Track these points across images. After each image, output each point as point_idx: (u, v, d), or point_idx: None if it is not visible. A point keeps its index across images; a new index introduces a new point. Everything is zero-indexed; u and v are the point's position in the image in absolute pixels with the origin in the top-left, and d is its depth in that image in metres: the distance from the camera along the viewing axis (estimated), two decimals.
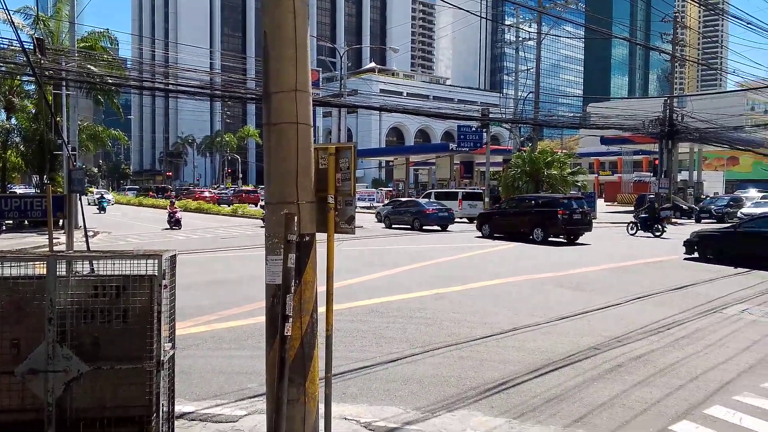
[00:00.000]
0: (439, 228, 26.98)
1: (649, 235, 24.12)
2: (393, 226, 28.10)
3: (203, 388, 6.09)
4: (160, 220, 32.82)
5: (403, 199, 33.37)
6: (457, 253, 18.05)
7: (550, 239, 21.37)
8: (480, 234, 23.72)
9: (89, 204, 46.19)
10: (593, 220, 29.35)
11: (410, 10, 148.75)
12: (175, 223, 28.39)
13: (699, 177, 50.18)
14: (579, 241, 21.67)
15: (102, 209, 41.30)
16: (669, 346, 7.70)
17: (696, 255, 16.54)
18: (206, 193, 57.76)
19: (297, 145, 4.25)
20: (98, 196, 48.24)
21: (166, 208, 31.52)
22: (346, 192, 4.50)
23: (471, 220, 30.28)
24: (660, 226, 24.17)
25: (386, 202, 35.60)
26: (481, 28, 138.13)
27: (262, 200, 39.78)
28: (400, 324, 8.80)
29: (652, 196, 31.77)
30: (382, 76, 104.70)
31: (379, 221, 29.93)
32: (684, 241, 17.26)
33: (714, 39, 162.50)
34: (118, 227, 29.07)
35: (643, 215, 24.98)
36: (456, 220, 29.28)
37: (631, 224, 25.39)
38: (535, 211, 22.05)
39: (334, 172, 4.46)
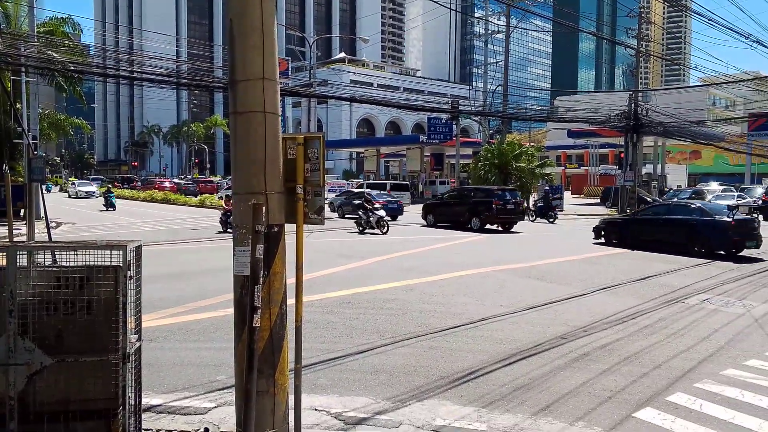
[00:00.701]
0: (389, 218, 27.23)
1: (545, 221, 27.44)
2: (346, 216, 28.51)
3: (171, 380, 6.00)
4: (127, 212, 32.21)
5: (356, 191, 33.59)
6: (417, 245, 18.15)
7: (486, 227, 22.89)
8: (425, 223, 24.84)
9: (70, 197, 43.99)
10: (560, 213, 30.35)
11: (380, 1, 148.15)
12: (110, 205, 35.05)
13: (663, 170, 51.37)
14: (513, 229, 23.48)
15: (111, 206, 34.89)
16: (633, 335, 7.89)
17: (602, 240, 18.42)
18: (166, 184, 56.79)
19: (264, 134, 4.19)
20: (105, 189, 40.89)
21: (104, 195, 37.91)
22: (315, 183, 4.47)
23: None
24: (553, 214, 28.06)
25: (338, 193, 35.96)
26: (450, 20, 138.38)
27: (221, 191, 39.80)
28: (370, 315, 8.81)
29: (547, 187, 33.23)
30: (353, 66, 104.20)
31: (333, 211, 30.49)
32: (593, 228, 19.32)
33: (678, 35, 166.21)
34: (82, 218, 28.40)
35: (539, 205, 29.02)
36: None
37: (531, 212, 28.79)
38: (473, 202, 23.54)
39: (302, 163, 4.42)
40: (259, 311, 3.96)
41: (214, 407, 5.28)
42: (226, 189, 39.57)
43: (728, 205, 18.69)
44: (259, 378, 4.04)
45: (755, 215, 17.71)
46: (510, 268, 13.49)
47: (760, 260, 15.39)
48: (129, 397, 3.90)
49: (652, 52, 60.33)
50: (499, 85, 40.33)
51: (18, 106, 23.05)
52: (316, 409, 5.25)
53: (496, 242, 19.41)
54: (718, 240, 15.77)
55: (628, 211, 33.57)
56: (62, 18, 27.54)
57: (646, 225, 17.73)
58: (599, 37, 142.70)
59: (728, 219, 15.74)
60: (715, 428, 5.01)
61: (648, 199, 37.62)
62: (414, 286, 11.08)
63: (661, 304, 9.78)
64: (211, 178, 64.23)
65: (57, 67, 22.25)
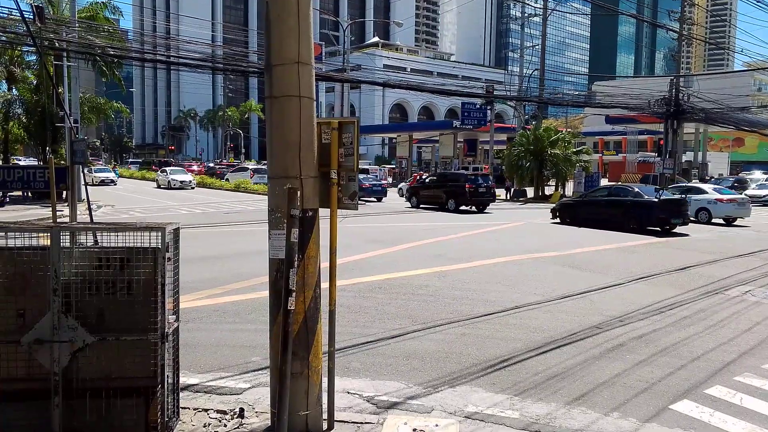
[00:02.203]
0: (375, 200, 30.33)
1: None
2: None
3: (207, 360, 6.12)
4: (164, 195, 32.86)
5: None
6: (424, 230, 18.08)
7: (461, 208, 25.23)
8: (409, 205, 27.54)
9: (160, 187, 40.41)
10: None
11: None
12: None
13: (704, 158, 49.97)
14: (486, 210, 25.67)
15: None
16: (671, 326, 7.73)
17: (558, 220, 20.71)
18: (195, 167, 58.12)
19: (300, 118, 4.20)
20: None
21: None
22: (349, 167, 4.46)
23: None
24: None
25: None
26: (486, 3, 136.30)
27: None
28: (402, 300, 8.83)
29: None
30: (386, 51, 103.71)
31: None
32: (551, 209, 21.92)
33: (722, 17, 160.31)
34: (121, 201, 29.09)
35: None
36: None
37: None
38: (449, 185, 25.84)
39: (337, 147, 4.41)
40: (294, 294, 4.00)
41: (249, 387, 5.37)
42: (233, 172, 44.10)
43: (656, 188, 20.81)
44: (293, 360, 4.09)
45: (684, 196, 20.20)
46: (538, 257, 13.34)
47: (686, 235, 17.85)
48: (167, 376, 4.00)
49: (695, 36, 58.41)
50: (536, 69, 39.65)
51: (60, 90, 23.62)
52: (348, 392, 5.29)
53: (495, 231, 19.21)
54: (647, 217, 18.18)
55: None
56: (102, 2, 28.01)
57: (592, 206, 19.97)
58: (640, 20, 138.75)
59: (655, 199, 18.22)
60: (756, 423, 4.88)
61: None
62: (446, 273, 11.04)
63: (700, 295, 9.55)
64: (234, 162, 65.51)
65: (97, 52, 22.70)
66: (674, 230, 18.42)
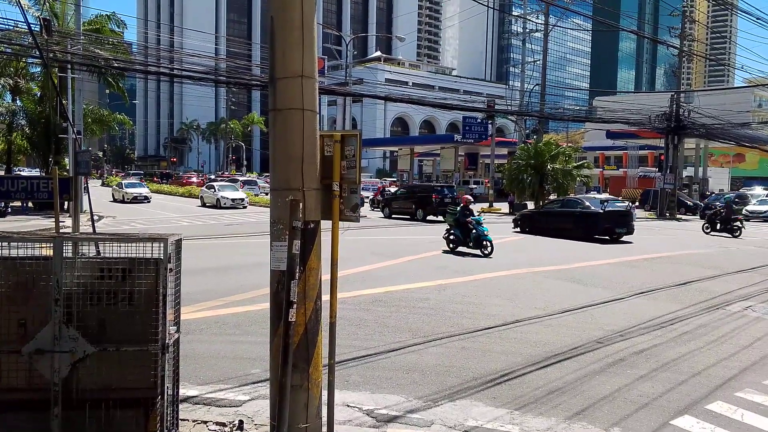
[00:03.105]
0: None
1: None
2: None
3: (207, 372, 6.11)
4: (166, 206, 32.91)
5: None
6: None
7: (428, 218, 26.67)
8: (382, 214, 29.36)
9: (205, 205, 33.97)
10: None
11: None
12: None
13: (705, 173, 50.03)
14: None
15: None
16: (672, 341, 7.71)
17: (518, 229, 22.28)
18: (194, 179, 58.23)
19: (303, 131, 4.23)
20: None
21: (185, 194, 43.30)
22: (351, 180, 4.48)
23: None
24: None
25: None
26: (488, 18, 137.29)
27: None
28: (403, 313, 8.82)
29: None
30: (388, 65, 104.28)
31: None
32: (513, 219, 23.64)
33: (722, 34, 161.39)
34: (122, 212, 29.13)
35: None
36: None
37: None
38: (418, 197, 27.77)
39: (339, 160, 4.43)
40: (295, 306, 4.01)
41: (249, 400, 5.36)
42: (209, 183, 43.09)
43: (601, 200, 22.02)
44: (293, 372, 4.09)
45: (630, 207, 22.27)
46: (537, 271, 13.33)
47: (629, 243, 19.38)
48: (167, 387, 3.99)
49: (695, 52, 58.75)
50: (537, 84, 39.84)
51: (64, 101, 23.78)
52: (348, 406, 5.28)
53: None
54: (594, 227, 19.75)
55: (667, 215, 32.84)
56: (107, 15, 28.27)
57: (548, 216, 21.70)
58: (641, 36, 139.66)
59: (601, 211, 19.82)
60: None
61: (688, 202, 36.74)
62: (447, 286, 11.04)
63: (701, 311, 9.53)
64: (236, 175, 66.02)
65: (101, 64, 22.87)
66: (621, 239, 19.95)
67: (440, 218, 25.45)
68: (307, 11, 4.19)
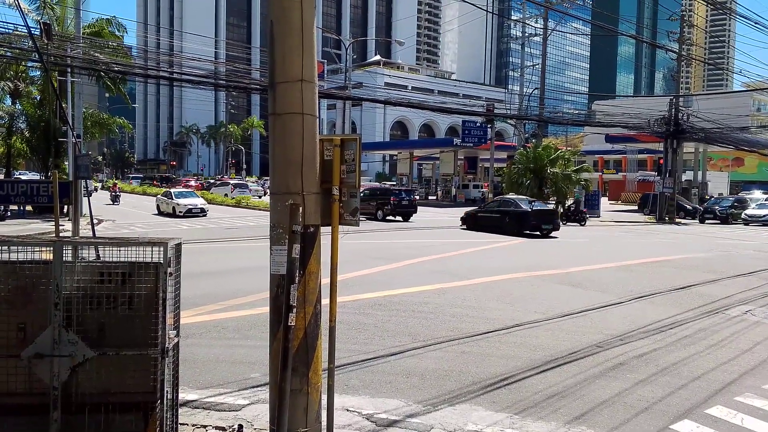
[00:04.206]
0: None
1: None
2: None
3: (207, 376, 6.10)
4: (144, 206, 32.92)
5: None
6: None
7: (387, 218, 29.06)
8: None
9: (177, 214, 29.54)
10: (596, 219, 30.11)
11: (416, 3, 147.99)
12: (114, 198, 38.17)
13: (704, 177, 50.08)
14: (410, 220, 29.31)
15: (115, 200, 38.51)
16: (671, 346, 7.71)
17: (465, 226, 24.78)
18: (192, 182, 58.45)
19: (302, 135, 4.24)
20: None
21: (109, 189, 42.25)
22: (350, 184, 4.48)
23: None
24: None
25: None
26: (487, 22, 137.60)
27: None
28: (402, 318, 8.81)
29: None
30: (387, 69, 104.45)
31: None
32: (461, 218, 25.82)
33: (721, 38, 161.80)
34: (122, 216, 29.12)
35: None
36: None
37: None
38: (379, 199, 30.00)
39: (339, 164, 4.44)
40: (295, 310, 4.01)
41: (248, 404, 5.35)
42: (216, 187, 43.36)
43: (528, 199, 24.89)
44: (293, 376, 4.08)
45: (554, 206, 25.68)
46: (536, 275, 13.33)
47: (555, 237, 22.18)
48: (167, 391, 3.98)
49: (694, 56, 58.88)
50: (536, 88, 39.93)
51: (64, 105, 23.79)
52: (347, 410, 5.27)
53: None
54: (524, 223, 22.49)
55: (666, 218, 32.87)
56: (107, 19, 28.32)
57: (487, 214, 24.43)
58: (639, 41, 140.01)
59: (529, 209, 22.62)
60: None
61: (688, 206, 36.77)
62: (446, 290, 11.03)
63: (700, 315, 9.53)
64: (236, 178, 66.16)
65: (101, 67, 22.90)
66: (551, 234, 22.60)
67: (398, 218, 29.26)
68: (307, 16, 4.21)
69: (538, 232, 22.43)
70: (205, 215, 29.88)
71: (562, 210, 30.75)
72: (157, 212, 31.57)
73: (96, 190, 51.91)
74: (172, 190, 33.96)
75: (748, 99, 68.54)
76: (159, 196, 33.89)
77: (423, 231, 24.16)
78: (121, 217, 28.49)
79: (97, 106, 47.34)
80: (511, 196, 28.33)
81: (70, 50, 21.07)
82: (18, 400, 3.77)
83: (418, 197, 50.57)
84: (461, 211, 27.77)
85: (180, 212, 29.61)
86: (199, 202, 31.11)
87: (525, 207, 23.03)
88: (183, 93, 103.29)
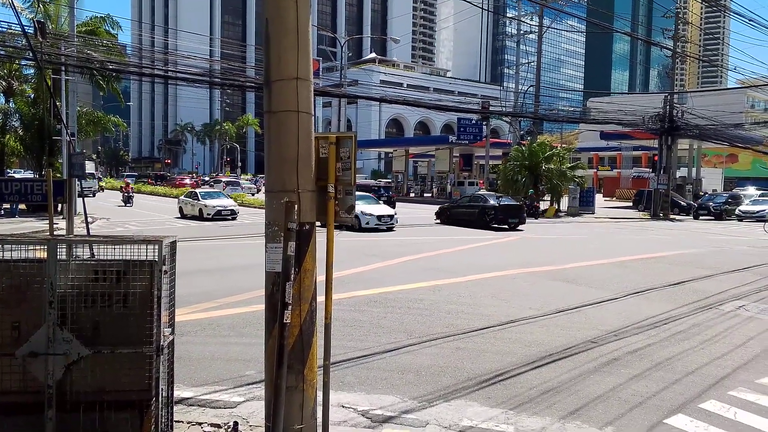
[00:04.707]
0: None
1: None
2: None
3: (202, 374, 6.11)
4: (160, 208, 32.85)
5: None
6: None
7: None
8: None
9: (204, 217, 26.33)
10: (592, 214, 30.22)
11: (412, 1, 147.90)
12: (127, 200, 34.69)
13: (698, 174, 50.24)
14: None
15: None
16: (665, 341, 7.75)
17: (439, 221, 26.45)
18: (186, 180, 58.11)
19: (298, 133, 4.24)
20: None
21: (121, 189, 37.59)
22: (346, 181, 4.49)
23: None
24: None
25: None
26: (482, 20, 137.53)
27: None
28: (398, 314, 8.83)
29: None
30: (383, 66, 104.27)
31: None
32: (435, 212, 27.48)
33: (715, 35, 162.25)
34: (115, 214, 29.03)
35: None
36: None
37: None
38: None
39: (334, 162, 4.44)
40: (290, 307, 4.01)
41: (243, 401, 5.36)
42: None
43: (497, 195, 27.04)
44: (288, 373, 4.09)
45: (522, 201, 27.44)
46: (532, 271, 13.37)
47: (521, 230, 23.43)
48: (162, 389, 3.99)
49: (688, 53, 59.02)
50: (531, 86, 39.97)
51: (58, 103, 23.69)
52: (343, 406, 5.28)
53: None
54: (490, 217, 23.88)
55: (661, 215, 32.99)
56: (101, 17, 28.19)
57: (459, 209, 26.10)
58: (634, 38, 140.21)
59: (496, 204, 24.31)
60: None
61: (682, 203, 36.91)
62: (441, 287, 11.06)
63: (694, 310, 9.58)
64: (231, 176, 66.26)
65: (95, 66, 22.80)
66: (517, 227, 24.06)
67: None
68: (302, 14, 4.21)
69: (505, 226, 23.80)
70: (235, 218, 26.47)
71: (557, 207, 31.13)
72: (179, 215, 27.73)
73: (102, 189, 50.02)
74: (197, 191, 30.41)
75: (742, 96, 68.84)
76: (182, 197, 29.88)
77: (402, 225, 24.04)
78: (138, 221, 25.21)
79: (92, 105, 47.13)
80: (481, 192, 30.43)
81: (64, 48, 20.97)
82: (13, 399, 3.77)
83: (413, 194, 50.82)
84: None
85: (208, 215, 26.26)
86: (228, 203, 27.72)
87: (493, 202, 24.75)
88: (178, 91, 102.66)
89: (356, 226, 20.97)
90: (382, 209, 23.11)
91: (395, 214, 23.30)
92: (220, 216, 26.23)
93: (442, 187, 47.24)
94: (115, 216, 27.51)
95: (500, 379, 6.15)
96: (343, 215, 4.56)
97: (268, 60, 4.26)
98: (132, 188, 38.33)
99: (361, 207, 21.41)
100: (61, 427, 3.76)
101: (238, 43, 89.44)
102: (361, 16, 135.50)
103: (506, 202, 25.27)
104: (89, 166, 46.14)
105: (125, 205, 34.45)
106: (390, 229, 22.01)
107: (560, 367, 6.57)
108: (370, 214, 22.11)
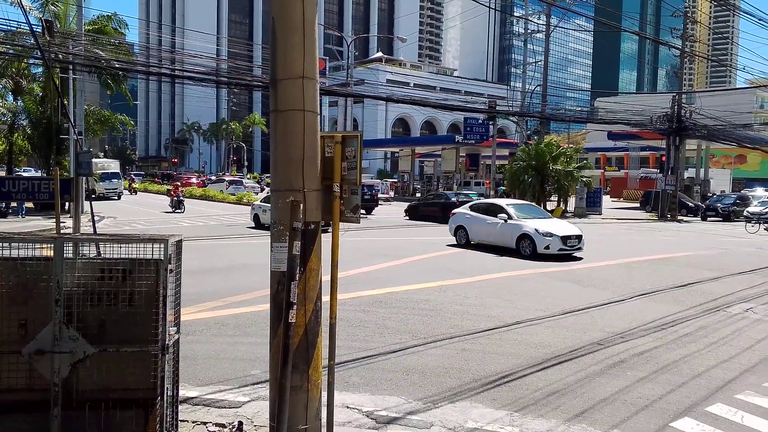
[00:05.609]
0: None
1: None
2: None
3: (207, 373, 6.12)
4: (166, 207, 32.94)
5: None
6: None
7: None
8: None
9: None
10: (600, 215, 30.17)
11: (419, 0, 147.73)
12: (177, 205, 30.27)
13: (706, 174, 49.95)
14: (372, 213, 30.60)
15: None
16: (672, 343, 7.70)
17: (408, 217, 28.76)
18: (193, 179, 58.23)
19: (303, 132, 4.23)
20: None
21: (169, 192, 33.26)
22: (351, 181, 4.48)
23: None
24: None
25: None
26: (489, 19, 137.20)
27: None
28: (403, 315, 8.82)
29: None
30: (389, 66, 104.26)
31: None
32: (404, 210, 29.99)
33: (725, 35, 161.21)
34: (123, 213, 29.15)
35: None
36: None
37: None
38: None
39: (340, 161, 4.43)
40: (295, 307, 4.01)
41: (248, 401, 5.36)
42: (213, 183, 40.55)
43: (456, 192, 30.12)
44: (293, 373, 4.09)
45: (481, 197, 28.42)
46: (542, 272, 13.32)
47: None
48: (167, 388, 3.99)
49: (697, 53, 58.68)
50: (538, 85, 39.84)
51: (65, 102, 23.79)
52: (347, 407, 5.28)
53: None
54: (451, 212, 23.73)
55: (668, 216, 32.82)
56: (108, 16, 28.29)
57: (426, 206, 28.76)
58: (642, 37, 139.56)
59: (455, 200, 26.45)
60: None
61: (690, 204, 36.71)
62: (448, 287, 11.04)
63: (702, 312, 9.52)
64: (237, 175, 66.60)
65: (103, 65, 22.90)
66: None
67: (362, 211, 31.89)
68: (309, 13, 4.20)
69: None
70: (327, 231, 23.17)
71: (565, 208, 31.45)
72: (254, 225, 22.67)
73: (134, 192, 45.96)
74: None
75: (751, 96, 68.39)
76: (257, 203, 25.08)
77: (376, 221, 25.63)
78: (209, 235, 19.64)
79: (99, 104, 47.30)
80: (442, 191, 33.57)
81: (72, 47, 21.07)
82: (19, 396, 3.78)
83: (419, 195, 50.74)
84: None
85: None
86: None
87: (453, 199, 27.48)
88: (185, 90, 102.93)
89: (527, 250, 15.47)
90: (564, 226, 16.32)
91: (582, 234, 15.96)
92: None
93: (449, 187, 47.15)
94: (167, 223, 24.40)
95: (505, 380, 6.13)
96: (348, 215, 4.56)
97: (274, 59, 4.26)
98: (182, 191, 32.98)
99: (533, 223, 15.94)
100: (67, 425, 3.77)
101: (245, 42, 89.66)
102: (368, 15, 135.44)
103: (464, 199, 27.00)
104: (113, 165, 45.35)
105: (174, 212, 29.50)
106: (575, 259, 15.41)
107: (566, 369, 6.54)
108: (551, 234, 15.30)
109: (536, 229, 15.52)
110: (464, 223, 17.90)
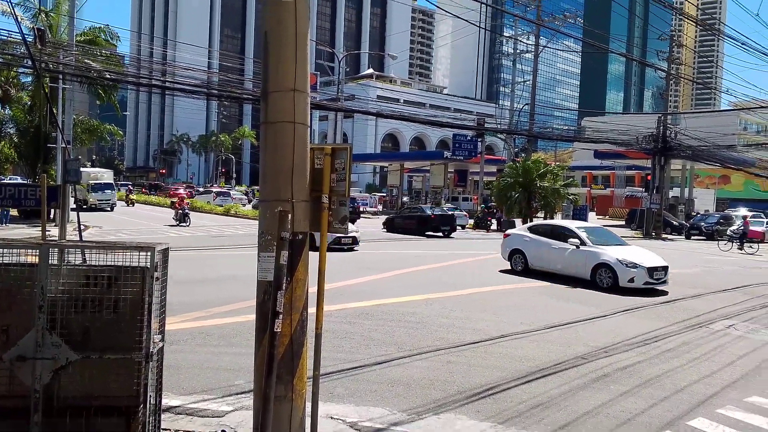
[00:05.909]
0: None
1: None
2: None
3: (190, 382, 6.08)
4: (153, 217, 32.74)
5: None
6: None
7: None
8: None
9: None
10: None
11: (410, 18, 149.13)
12: (182, 218, 27.81)
13: (690, 194, 50.57)
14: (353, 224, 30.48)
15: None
16: (655, 358, 7.77)
17: (386, 229, 28.87)
18: (180, 190, 57.98)
19: (293, 144, 4.27)
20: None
21: (173, 205, 30.39)
22: (340, 192, 4.53)
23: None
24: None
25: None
26: (479, 38, 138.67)
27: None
28: (389, 327, 8.82)
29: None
30: (380, 82, 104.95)
31: None
32: (382, 222, 30.29)
33: (709, 58, 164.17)
34: (109, 222, 28.92)
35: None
36: None
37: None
38: None
39: (329, 173, 4.48)
40: (281, 317, 4.01)
41: (232, 411, 5.33)
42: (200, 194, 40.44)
43: (431, 206, 32.21)
44: (277, 383, 4.08)
45: (452, 212, 30.95)
46: (527, 286, 13.39)
47: (454, 238, 26.85)
48: (150, 396, 3.97)
49: (682, 75, 59.68)
50: (526, 104, 40.29)
51: (54, 111, 23.68)
52: (332, 418, 5.27)
53: None
54: (426, 225, 27.35)
55: (653, 234, 33.15)
56: (100, 27, 28.29)
57: (403, 219, 29.16)
58: (629, 59, 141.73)
59: (430, 214, 28.10)
60: None
61: (674, 222, 37.11)
62: (434, 300, 11.06)
63: (684, 329, 9.62)
64: (225, 187, 66.48)
65: (93, 75, 22.85)
66: (450, 235, 27.37)
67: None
68: (301, 27, 4.27)
69: (439, 233, 27.11)
70: (355, 249, 19.31)
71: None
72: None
73: (131, 203, 43.60)
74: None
75: (735, 118, 69.49)
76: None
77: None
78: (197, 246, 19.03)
79: (88, 113, 47.06)
80: (417, 204, 35.51)
81: (63, 57, 21.02)
82: None
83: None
84: None
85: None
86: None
87: (428, 212, 28.57)
88: (174, 101, 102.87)
89: (605, 282, 13.32)
90: (648, 256, 13.89)
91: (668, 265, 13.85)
92: (338, 245, 18.31)
93: (437, 202, 47.34)
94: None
95: (490, 393, 6.15)
96: (336, 225, 4.59)
97: (267, 71, 4.31)
98: (187, 203, 30.88)
99: (613, 251, 13.68)
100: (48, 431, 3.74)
101: (236, 56, 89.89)
102: (360, 32, 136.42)
103: (439, 212, 29.22)
104: (107, 176, 44.00)
105: (179, 225, 27.75)
106: (661, 293, 13.19)
107: (550, 382, 6.58)
108: (636, 265, 13.15)
109: (618, 259, 13.23)
110: (522, 246, 15.32)
